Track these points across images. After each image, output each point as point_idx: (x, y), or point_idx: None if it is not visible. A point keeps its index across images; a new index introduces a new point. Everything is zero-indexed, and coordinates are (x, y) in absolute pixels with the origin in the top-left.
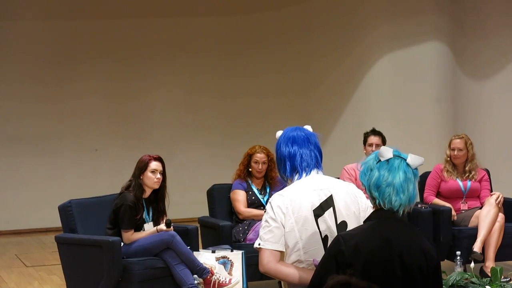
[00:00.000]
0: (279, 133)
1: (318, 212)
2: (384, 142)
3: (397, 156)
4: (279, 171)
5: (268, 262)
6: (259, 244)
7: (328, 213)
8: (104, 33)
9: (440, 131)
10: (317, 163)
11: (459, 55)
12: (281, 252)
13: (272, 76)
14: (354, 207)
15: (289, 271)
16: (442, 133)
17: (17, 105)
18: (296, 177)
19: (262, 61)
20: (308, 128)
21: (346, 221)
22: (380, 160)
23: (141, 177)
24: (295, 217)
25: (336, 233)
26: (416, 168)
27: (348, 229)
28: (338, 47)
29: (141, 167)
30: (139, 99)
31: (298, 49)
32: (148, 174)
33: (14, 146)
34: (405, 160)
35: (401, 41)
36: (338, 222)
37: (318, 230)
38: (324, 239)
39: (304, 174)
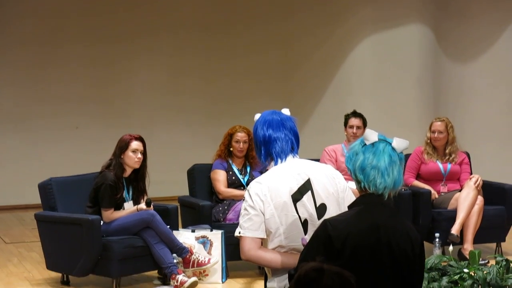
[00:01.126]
0: (257, 116)
1: (297, 196)
2: (365, 124)
3: (382, 140)
4: (256, 154)
5: (249, 250)
6: (239, 233)
7: (307, 197)
8: (85, 13)
9: (421, 113)
10: (293, 148)
11: (441, 38)
12: (262, 239)
13: (253, 56)
14: (333, 188)
15: (271, 257)
16: (423, 116)
17: None
18: (272, 163)
19: (243, 41)
20: (286, 111)
21: (325, 203)
22: (365, 144)
23: (122, 157)
24: (274, 203)
25: (315, 217)
26: (401, 152)
27: (327, 211)
28: (320, 28)
29: (122, 146)
30: (120, 78)
31: (280, 30)
32: (129, 153)
33: None
34: (390, 144)
35: (383, 23)
36: (317, 205)
37: (297, 215)
38: (304, 223)
39: (279, 160)
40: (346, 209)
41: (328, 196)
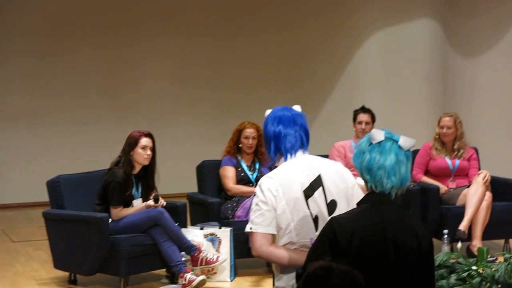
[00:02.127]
0: (267, 112)
1: (308, 192)
2: (373, 120)
3: (389, 138)
4: (266, 150)
5: (260, 246)
6: (250, 228)
7: (318, 193)
8: (94, 5)
9: (429, 108)
10: (302, 145)
11: (449, 32)
12: (273, 235)
13: (262, 50)
14: (342, 185)
15: (282, 254)
16: (432, 111)
17: (5, 79)
18: (282, 159)
19: (252, 38)
20: (297, 108)
21: (336, 200)
22: (372, 143)
23: (131, 153)
24: (286, 199)
25: (326, 213)
26: (408, 150)
27: (338, 208)
28: (328, 22)
29: (131, 143)
30: (128, 72)
31: (289, 23)
32: (139, 150)
33: (2, 120)
34: (397, 142)
35: (392, 18)
36: (328, 201)
37: (308, 211)
38: (315, 220)
39: (288, 156)
40: (355, 206)
41: (339, 193)
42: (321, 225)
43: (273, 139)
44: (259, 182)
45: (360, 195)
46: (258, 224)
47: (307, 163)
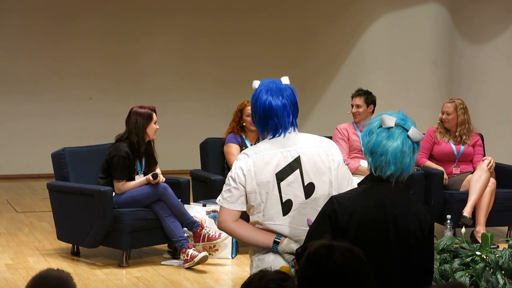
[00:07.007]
0: (255, 84)
1: (282, 175)
2: (368, 103)
3: (399, 125)
4: (254, 124)
5: (224, 221)
6: (219, 200)
7: (294, 176)
8: None
9: (435, 93)
10: (291, 122)
11: (457, 18)
12: (239, 211)
13: (267, 28)
14: (324, 166)
15: (244, 232)
16: (437, 96)
17: (8, 46)
18: (269, 136)
19: (258, 15)
20: (286, 80)
21: (314, 182)
22: (381, 126)
23: (146, 129)
24: (257, 179)
25: (303, 196)
26: (417, 142)
27: (316, 191)
28: (335, 2)
29: (147, 118)
30: (134, 42)
31: (296, 4)
32: (152, 125)
33: (7, 90)
34: (407, 131)
35: (400, 1)
36: (305, 184)
37: (278, 195)
38: (286, 203)
39: (276, 135)
40: (339, 186)
41: (317, 175)
42: (295, 209)
43: (262, 115)
44: (237, 156)
45: (345, 173)
46: (225, 199)
47: (288, 144)
